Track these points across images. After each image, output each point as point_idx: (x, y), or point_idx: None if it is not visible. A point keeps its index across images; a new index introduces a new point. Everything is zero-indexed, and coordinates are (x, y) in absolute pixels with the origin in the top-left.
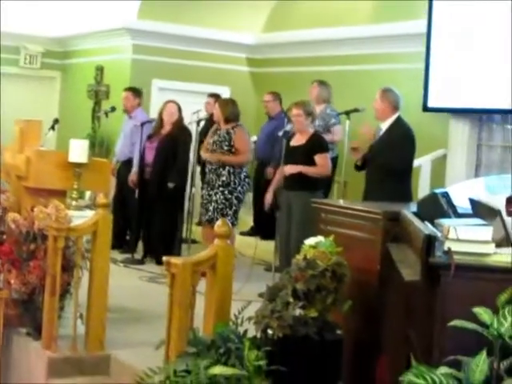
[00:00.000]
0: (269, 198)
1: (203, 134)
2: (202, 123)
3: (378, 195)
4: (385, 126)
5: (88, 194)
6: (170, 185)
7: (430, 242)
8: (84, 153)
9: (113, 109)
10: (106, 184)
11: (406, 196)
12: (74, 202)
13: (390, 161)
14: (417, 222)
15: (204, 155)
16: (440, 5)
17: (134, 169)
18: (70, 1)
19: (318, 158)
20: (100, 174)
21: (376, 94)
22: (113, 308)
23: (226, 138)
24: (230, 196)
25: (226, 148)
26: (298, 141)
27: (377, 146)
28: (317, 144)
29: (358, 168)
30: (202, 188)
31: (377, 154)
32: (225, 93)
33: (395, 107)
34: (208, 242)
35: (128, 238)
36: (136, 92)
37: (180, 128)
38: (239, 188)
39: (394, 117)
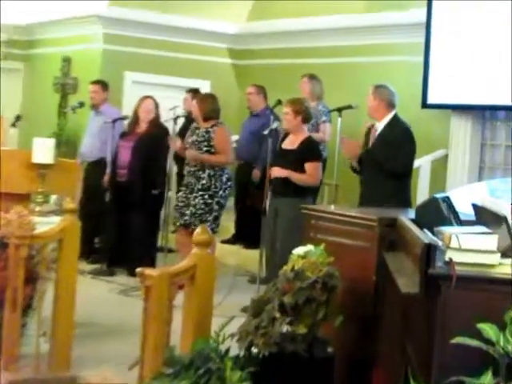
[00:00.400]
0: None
1: (181, 133)
2: (180, 121)
3: (374, 200)
4: (380, 125)
5: (53, 198)
6: (155, 192)
7: (430, 251)
8: (49, 153)
9: (81, 104)
10: (74, 187)
11: (405, 201)
12: (38, 207)
13: (389, 164)
14: (415, 229)
15: (187, 153)
16: None
17: (109, 170)
18: None
19: (308, 165)
20: (67, 176)
21: (368, 89)
22: (80, 324)
23: (206, 138)
24: (210, 201)
25: (205, 149)
26: (290, 144)
27: (373, 148)
28: (309, 150)
29: (356, 171)
30: (179, 191)
31: (374, 156)
32: (205, 87)
33: (390, 105)
34: (183, 250)
35: (97, 246)
36: (105, 85)
37: (158, 126)
38: (220, 192)
39: (389, 115)
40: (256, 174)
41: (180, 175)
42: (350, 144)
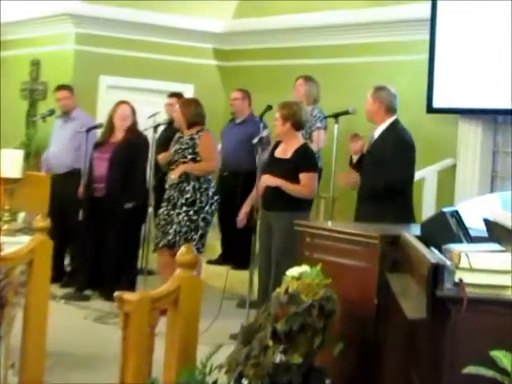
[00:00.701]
0: (242, 216)
1: (162, 144)
2: (161, 128)
3: (371, 216)
4: (378, 131)
5: (21, 215)
6: (128, 205)
7: (438, 271)
8: (18, 165)
9: (51, 112)
10: (45, 203)
11: (405, 216)
12: (5, 226)
13: (385, 176)
14: (421, 247)
15: (171, 177)
16: None
17: (84, 181)
18: None
19: (302, 176)
20: (37, 191)
21: (368, 92)
22: (53, 354)
23: (190, 145)
24: (195, 217)
25: (189, 156)
26: (282, 152)
27: (368, 158)
28: (304, 159)
29: (354, 165)
30: (159, 207)
31: (369, 168)
32: (188, 91)
33: (390, 109)
34: (164, 272)
35: (69, 268)
36: (72, 89)
37: (136, 134)
38: (207, 208)
39: (388, 121)
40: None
41: (158, 189)
42: (344, 177)
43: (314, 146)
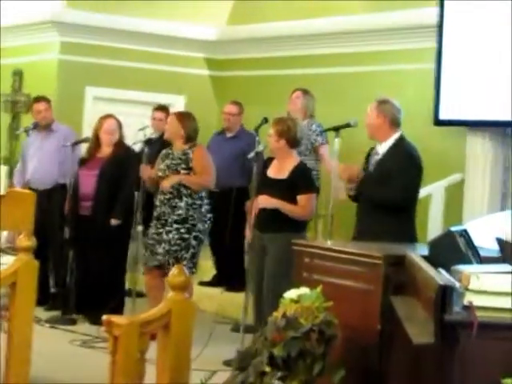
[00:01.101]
0: (249, 236)
1: (149, 158)
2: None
3: (372, 233)
4: (382, 148)
5: (4, 234)
6: (114, 222)
7: (446, 293)
8: (0, 182)
9: (35, 125)
10: (29, 221)
11: (407, 234)
12: None
13: (390, 192)
14: (427, 268)
15: (163, 185)
16: None
17: (69, 196)
18: None
19: (301, 198)
20: (21, 209)
21: (369, 106)
22: (37, 379)
23: (183, 159)
24: (187, 235)
25: (183, 172)
26: (277, 171)
27: (373, 175)
28: (301, 180)
29: (353, 198)
30: (148, 226)
31: (372, 186)
32: (179, 103)
33: (394, 123)
34: (153, 294)
35: (53, 290)
36: (50, 101)
37: (123, 149)
38: (199, 225)
39: (394, 136)
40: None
41: (146, 207)
42: (347, 168)
43: (327, 165)
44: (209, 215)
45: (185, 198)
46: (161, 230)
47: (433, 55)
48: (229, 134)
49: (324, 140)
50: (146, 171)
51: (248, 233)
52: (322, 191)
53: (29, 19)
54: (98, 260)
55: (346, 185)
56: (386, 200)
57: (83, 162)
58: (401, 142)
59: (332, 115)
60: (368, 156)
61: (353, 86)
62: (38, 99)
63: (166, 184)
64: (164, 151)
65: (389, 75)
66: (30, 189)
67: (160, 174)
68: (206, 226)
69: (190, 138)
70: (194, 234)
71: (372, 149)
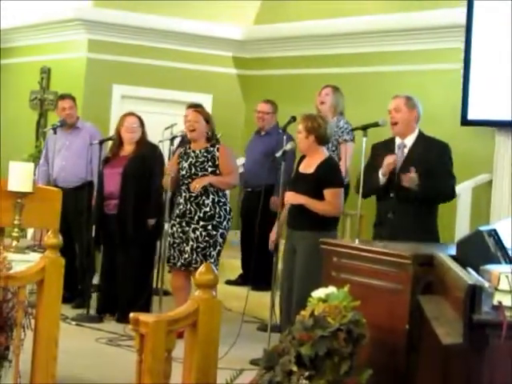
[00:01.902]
0: (274, 235)
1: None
2: (177, 141)
3: (406, 228)
4: (409, 141)
5: (30, 231)
6: (151, 221)
7: (475, 293)
8: (28, 179)
9: (62, 123)
10: (56, 219)
11: (435, 229)
12: (14, 242)
13: (444, 187)
14: (456, 268)
15: (193, 187)
16: None
17: (95, 193)
18: None
19: (327, 192)
20: (48, 207)
21: (392, 102)
22: (63, 378)
23: (208, 158)
24: (214, 232)
25: (210, 169)
26: (306, 167)
27: (405, 168)
28: (328, 174)
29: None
30: (173, 225)
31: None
32: (206, 101)
33: (419, 118)
34: (179, 294)
35: (80, 288)
36: (75, 99)
37: (148, 147)
38: (224, 223)
39: (416, 131)
40: (274, 201)
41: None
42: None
43: (342, 162)
44: (231, 213)
45: (211, 196)
46: (186, 229)
47: (459, 55)
48: (262, 132)
49: (350, 138)
50: (171, 169)
51: (273, 231)
52: (350, 190)
53: (57, 17)
54: (124, 258)
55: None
56: (442, 192)
57: (107, 161)
58: (424, 135)
59: (358, 115)
60: (384, 150)
61: (379, 85)
62: (63, 97)
63: (197, 186)
64: (182, 149)
65: (415, 75)
66: (57, 187)
67: (183, 172)
68: (229, 224)
69: (212, 137)
70: (220, 231)
71: (386, 143)
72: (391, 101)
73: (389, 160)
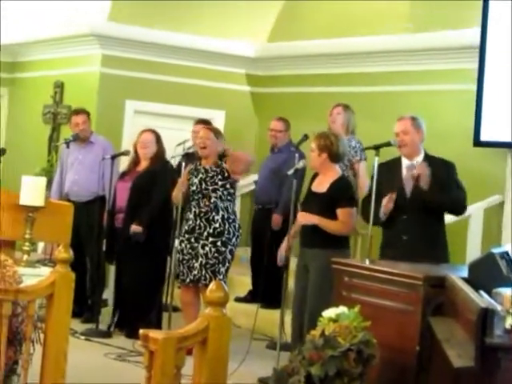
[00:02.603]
0: (282, 252)
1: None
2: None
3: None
4: (418, 161)
5: (41, 245)
6: (134, 228)
7: (487, 316)
8: (40, 193)
9: (75, 137)
10: (67, 233)
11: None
12: (25, 256)
13: (459, 196)
14: (468, 290)
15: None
16: (498, 9)
17: (108, 208)
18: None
19: (340, 212)
20: (59, 221)
21: (398, 125)
22: None
23: (218, 172)
24: (223, 249)
25: (220, 183)
26: (319, 185)
27: (417, 188)
28: (341, 194)
29: (380, 222)
30: (182, 241)
31: (435, 193)
32: (219, 118)
33: (423, 139)
34: (188, 310)
35: (89, 302)
36: (89, 114)
37: (159, 163)
38: (233, 239)
39: (423, 151)
40: (276, 219)
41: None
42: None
43: (359, 180)
44: (240, 230)
45: (221, 212)
46: (195, 245)
47: (472, 76)
48: (275, 150)
49: (362, 157)
50: (182, 185)
51: (283, 245)
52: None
53: (71, 32)
54: (132, 273)
55: (383, 213)
56: (455, 204)
57: (123, 175)
58: (429, 155)
59: (370, 134)
60: (389, 171)
61: (391, 105)
62: (77, 112)
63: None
64: (192, 166)
65: (428, 95)
66: (69, 201)
67: (193, 188)
68: (238, 240)
69: (223, 153)
70: (229, 247)
71: (391, 163)
72: (397, 123)
73: (386, 201)
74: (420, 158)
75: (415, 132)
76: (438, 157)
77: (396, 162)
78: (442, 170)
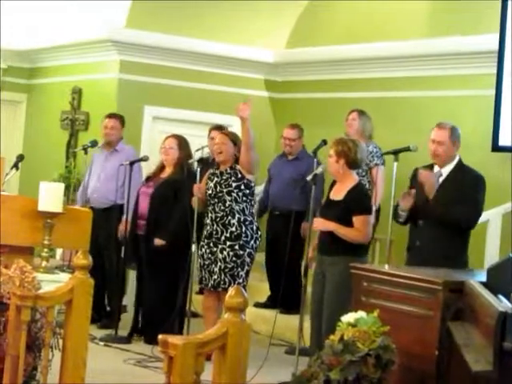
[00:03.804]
0: (311, 253)
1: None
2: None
3: (430, 258)
4: (446, 170)
5: (59, 251)
6: (158, 242)
7: (506, 321)
8: (58, 199)
9: (94, 143)
10: (86, 239)
11: (463, 259)
12: (44, 263)
13: (464, 213)
14: (487, 294)
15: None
16: None
17: (125, 216)
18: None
19: (356, 219)
20: (77, 227)
21: (434, 132)
22: None
23: (232, 174)
24: (241, 252)
25: (234, 185)
26: (336, 193)
27: (441, 196)
28: (357, 201)
29: (399, 220)
30: (202, 246)
31: (444, 206)
32: (237, 124)
33: (459, 147)
34: (209, 315)
35: (108, 309)
36: (123, 120)
37: (181, 170)
38: (252, 242)
39: (456, 159)
40: (304, 227)
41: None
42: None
43: (375, 187)
44: (259, 232)
45: (237, 215)
46: (214, 249)
47: (490, 81)
48: (290, 157)
49: (380, 162)
50: (198, 190)
51: (310, 253)
52: (382, 213)
53: (89, 38)
54: (153, 280)
55: (401, 209)
56: (461, 219)
57: (147, 181)
58: (462, 164)
59: (388, 139)
60: (413, 179)
61: (410, 110)
62: (110, 115)
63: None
64: (211, 171)
65: (446, 100)
66: (91, 208)
67: (209, 192)
68: (257, 243)
69: (238, 159)
70: (247, 250)
71: (417, 169)
72: (435, 129)
73: (402, 196)
74: (451, 166)
75: (451, 145)
76: (469, 167)
77: (429, 167)
78: (467, 181)
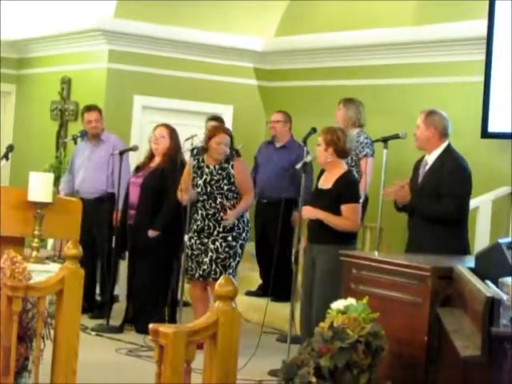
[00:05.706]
0: (303, 243)
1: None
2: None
3: (425, 248)
4: (431, 158)
5: (50, 242)
6: (151, 233)
7: (493, 306)
8: (48, 190)
9: (83, 133)
10: (76, 229)
11: (461, 249)
12: (34, 253)
13: (444, 209)
14: (475, 280)
15: (226, 219)
16: (505, 0)
17: (121, 206)
18: None
19: (344, 208)
20: (68, 217)
21: (418, 117)
22: None
23: (224, 175)
24: (234, 243)
25: (225, 188)
26: (325, 182)
27: (424, 189)
28: (345, 190)
29: (400, 209)
30: (191, 237)
31: (425, 201)
32: (227, 113)
33: (443, 134)
34: (198, 305)
35: (99, 298)
36: (101, 111)
37: (170, 160)
38: (243, 234)
39: (442, 146)
40: (296, 217)
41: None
42: (398, 191)
43: (363, 177)
44: (249, 225)
45: (229, 211)
46: (205, 240)
47: (480, 68)
48: (278, 144)
49: (370, 152)
50: (184, 182)
51: (302, 242)
52: (371, 203)
53: (78, 27)
54: (143, 269)
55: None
56: (442, 214)
57: (136, 170)
58: (449, 152)
59: (379, 126)
60: (416, 168)
61: (400, 97)
62: (89, 108)
63: (229, 219)
64: (195, 163)
65: (436, 87)
66: (80, 198)
67: (198, 190)
68: (248, 235)
69: (231, 152)
70: (240, 242)
71: (420, 160)
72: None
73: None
74: (435, 154)
75: (424, 128)
76: (454, 155)
77: (422, 158)
78: (445, 168)
